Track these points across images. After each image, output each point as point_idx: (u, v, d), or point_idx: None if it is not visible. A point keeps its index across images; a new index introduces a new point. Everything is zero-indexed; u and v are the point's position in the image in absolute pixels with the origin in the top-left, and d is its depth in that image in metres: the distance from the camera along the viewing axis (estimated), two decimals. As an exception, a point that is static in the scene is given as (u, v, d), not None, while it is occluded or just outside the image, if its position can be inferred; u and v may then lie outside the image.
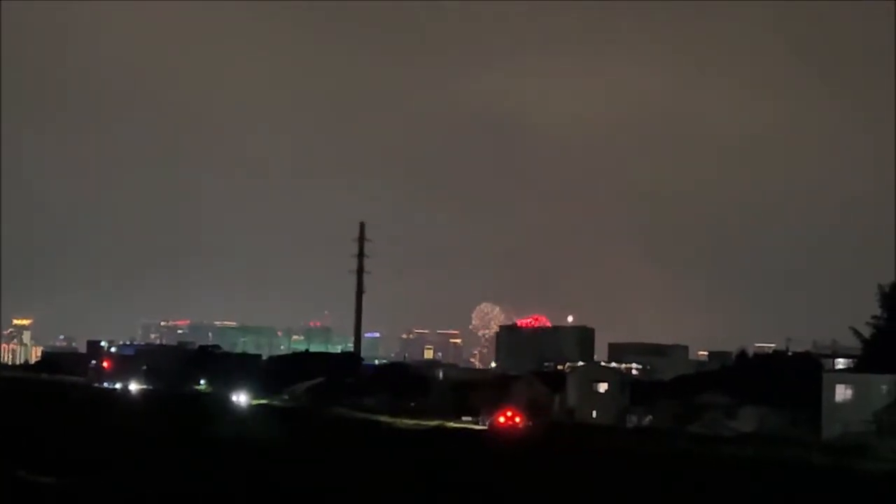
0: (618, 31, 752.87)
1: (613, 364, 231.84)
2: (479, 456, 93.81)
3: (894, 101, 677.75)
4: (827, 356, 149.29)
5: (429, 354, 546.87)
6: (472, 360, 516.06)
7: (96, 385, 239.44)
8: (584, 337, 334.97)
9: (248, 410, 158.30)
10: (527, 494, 67.04)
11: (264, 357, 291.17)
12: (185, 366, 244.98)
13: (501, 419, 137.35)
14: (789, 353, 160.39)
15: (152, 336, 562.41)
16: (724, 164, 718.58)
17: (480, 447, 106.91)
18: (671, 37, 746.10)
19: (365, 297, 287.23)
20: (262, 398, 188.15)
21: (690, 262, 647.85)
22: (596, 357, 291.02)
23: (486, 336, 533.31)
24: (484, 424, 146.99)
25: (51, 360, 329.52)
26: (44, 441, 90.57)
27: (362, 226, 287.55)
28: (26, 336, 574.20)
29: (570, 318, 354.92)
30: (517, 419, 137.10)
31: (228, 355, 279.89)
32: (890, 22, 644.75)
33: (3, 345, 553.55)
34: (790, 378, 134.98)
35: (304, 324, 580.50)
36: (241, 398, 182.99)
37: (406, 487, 67.20)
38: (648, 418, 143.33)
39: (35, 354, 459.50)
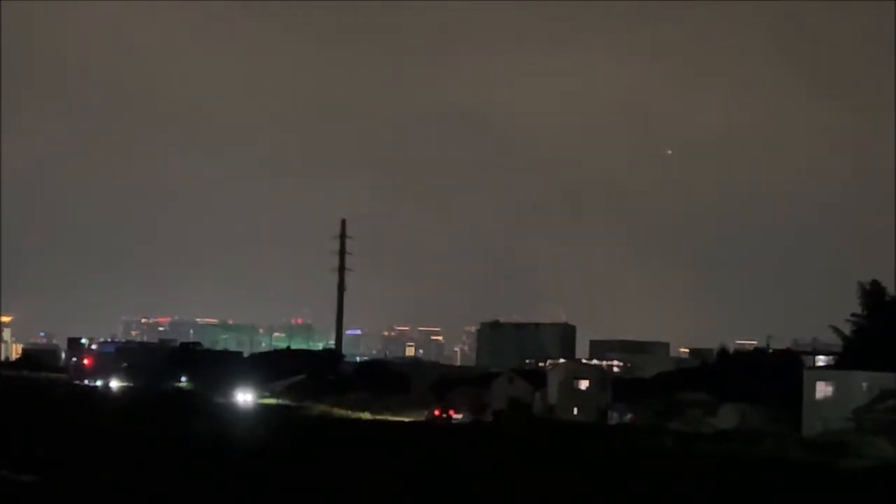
0: (598, 29, 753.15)
1: (595, 361, 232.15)
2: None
3: (877, 100, 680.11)
4: (807, 353, 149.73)
5: (410, 351, 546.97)
6: (455, 359, 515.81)
7: (77, 382, 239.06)
8: (565, 334, 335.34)
9: (263, 412, 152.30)
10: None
11: (245, 354, 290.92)
12: (166, 363, 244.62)
13: (436, 413, 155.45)
14: (770, 351, 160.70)
15: (133, 333, 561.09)
16: (706, 160, 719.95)
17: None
18: (651, 35, 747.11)
19: (346, 295, 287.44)
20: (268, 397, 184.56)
21: (671, 259, 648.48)
22: (577, 354, 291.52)
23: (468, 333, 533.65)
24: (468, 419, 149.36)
25: (31, 357, 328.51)
26: (27, 439, 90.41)
27: (343, 223, 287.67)
28: (6, 333, 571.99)
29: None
30: (451, 413, 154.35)
31: (210, 352, 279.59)
32: (874, 22, 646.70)
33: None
34: (771, 375, 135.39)
35: (285, 321, 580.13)
36: (247, 397, 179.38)
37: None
38: (629, 416, 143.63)
39: (15, 351, 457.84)
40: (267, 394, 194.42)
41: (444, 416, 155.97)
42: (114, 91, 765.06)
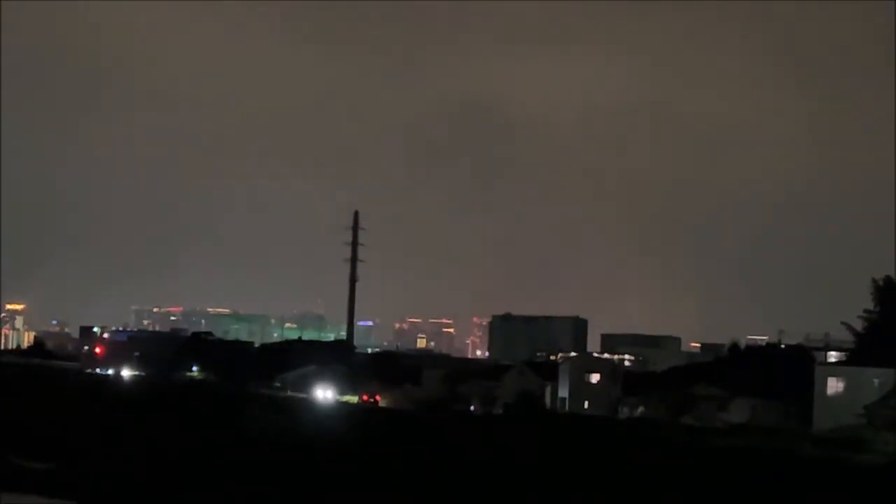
0: (613, 26, 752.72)
1: (606, 355, 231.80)
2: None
3: (885, 96, 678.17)
4: (819, 349, 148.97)
5: (422, 343, 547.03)
6: (478, 352, 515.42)
7: (88, 371, 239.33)
8: (577, 327, 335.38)
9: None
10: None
11: (257, 344, 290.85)
12: (177, 353, 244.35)
13: (364, 398, 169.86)
14: (782, 346, 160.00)
15: (145, 322, 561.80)
16: (718, 157, 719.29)
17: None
18: (666, 31, 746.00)
19: (358, 286, 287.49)
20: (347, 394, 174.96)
21: (684, 254, 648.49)
22: (589, 347, 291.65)
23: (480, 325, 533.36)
24: (476, 412, 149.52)
25: (43, 345, 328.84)
26: (40, 428, 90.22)
27: (356, 215, 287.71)
28: (19, 321, 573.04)
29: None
30: (377, 398, 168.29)
31: (221, 342, 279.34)
32: (877, 20, 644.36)
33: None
34: (782, 371, 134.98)
35: (297, 311, 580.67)
36: (327, 394, 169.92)
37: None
38: (640, 409, 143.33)
39: (28, 339, 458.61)
40: (277, 384, 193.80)
41: (371, 400, 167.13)
42: (127, 88, 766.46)
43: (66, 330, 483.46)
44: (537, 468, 75.87)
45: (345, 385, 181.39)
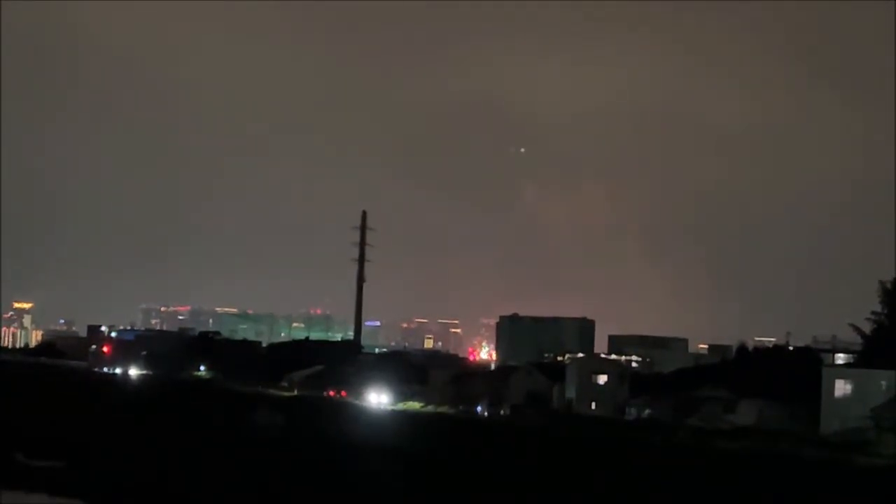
0: (620, 25, 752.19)
1: (613, 356, 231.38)
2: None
3: (892, 94, 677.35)
4: (827, 351, 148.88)
5: (429, 344, 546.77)
6: (481, 353, 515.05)
7: (96, 370, 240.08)
8: (584, 328, 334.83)
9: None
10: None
11: (264, 344, 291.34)
12: (185, 352, 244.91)
13: (331, 394, 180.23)
14: (789, 348, 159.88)
15: (153, 322, 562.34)
16: (726, 158, 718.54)
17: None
18: (674, 32, 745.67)
19: (366, 286, 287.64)
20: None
21: (692, 255, 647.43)
22: (596, 349, 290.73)
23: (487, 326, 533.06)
24: (484, 413, 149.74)
25: (51, 344, 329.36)
26: (47, 427, 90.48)
27: (364, 214, 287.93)
28: (27, 320, 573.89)
29: None
30: (343, 394, 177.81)
31: (229, 342, 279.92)
32: (884, 21, 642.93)
33: (4, 328, 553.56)
34: (790, 373, 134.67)
35: (304, 311, 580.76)
36: (381, 399, 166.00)
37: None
38: (648, 411, 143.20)
39: (35, 338, 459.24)
40: (285, 384, 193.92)
41: (338, 395, 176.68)
42: (133, 87, 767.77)
43: (74, 329, 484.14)
44: (542, 468, 75.90)
45: (351, 386, 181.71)
